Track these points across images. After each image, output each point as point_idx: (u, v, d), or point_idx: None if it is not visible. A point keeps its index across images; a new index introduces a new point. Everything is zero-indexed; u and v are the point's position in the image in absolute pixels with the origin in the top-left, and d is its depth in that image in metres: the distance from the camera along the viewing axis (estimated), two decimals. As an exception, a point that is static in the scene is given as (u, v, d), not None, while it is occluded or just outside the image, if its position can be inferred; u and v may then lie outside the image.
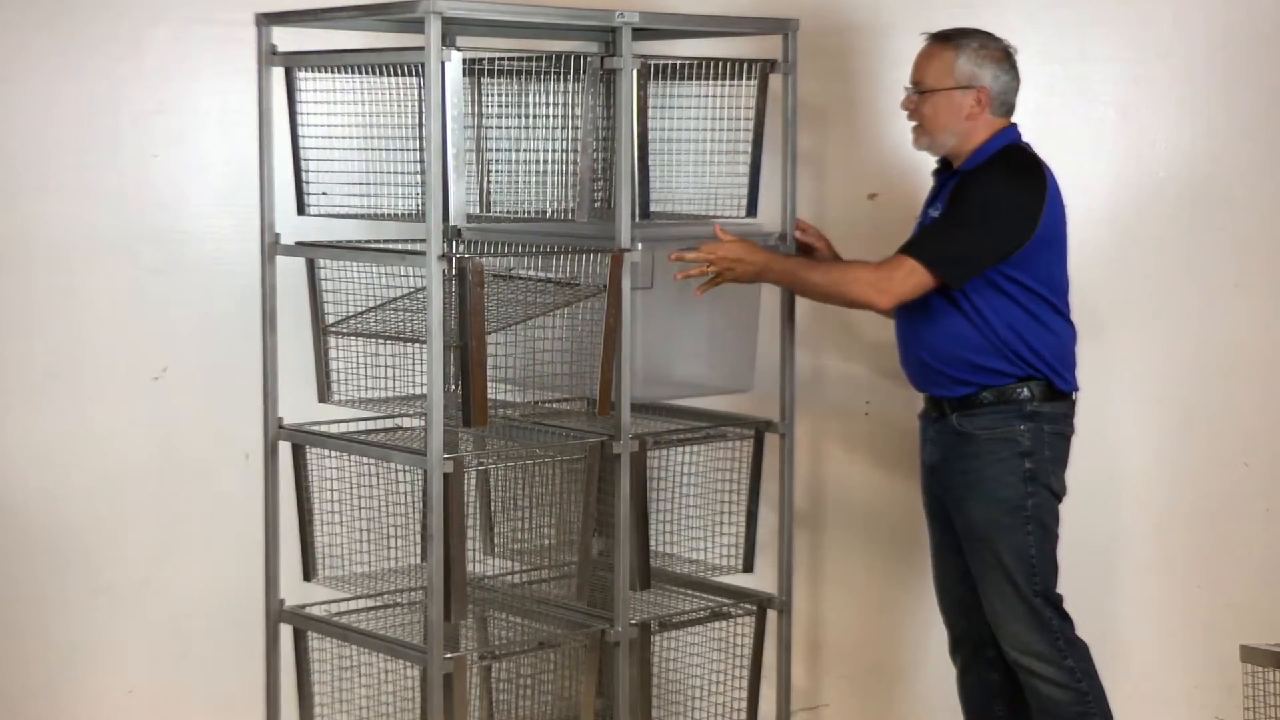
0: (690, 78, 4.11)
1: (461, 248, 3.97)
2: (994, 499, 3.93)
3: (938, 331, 3.96)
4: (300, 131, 4.08)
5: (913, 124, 4.00)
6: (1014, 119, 3.99)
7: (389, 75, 3.91)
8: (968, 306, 3.92)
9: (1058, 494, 3.97)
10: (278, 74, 4.07)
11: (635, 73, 3.95)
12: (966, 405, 3.96)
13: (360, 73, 4.02)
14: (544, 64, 3.93)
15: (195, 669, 4.50)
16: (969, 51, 3.92)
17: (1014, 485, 3.92)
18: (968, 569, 4.05)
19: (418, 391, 4.01)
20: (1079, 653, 3.94)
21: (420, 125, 3.86)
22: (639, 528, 4.11)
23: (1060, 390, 3.97)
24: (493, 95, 4.17)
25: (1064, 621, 3.95)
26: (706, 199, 4.25)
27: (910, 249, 3.91)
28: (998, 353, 3.91)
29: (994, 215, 3.87)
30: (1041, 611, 3.92)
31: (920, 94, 3.96)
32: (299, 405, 4.17)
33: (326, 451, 4.16)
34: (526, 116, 4.06)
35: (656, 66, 4.03)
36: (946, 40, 3.96)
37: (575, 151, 3.92)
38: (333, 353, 4.13)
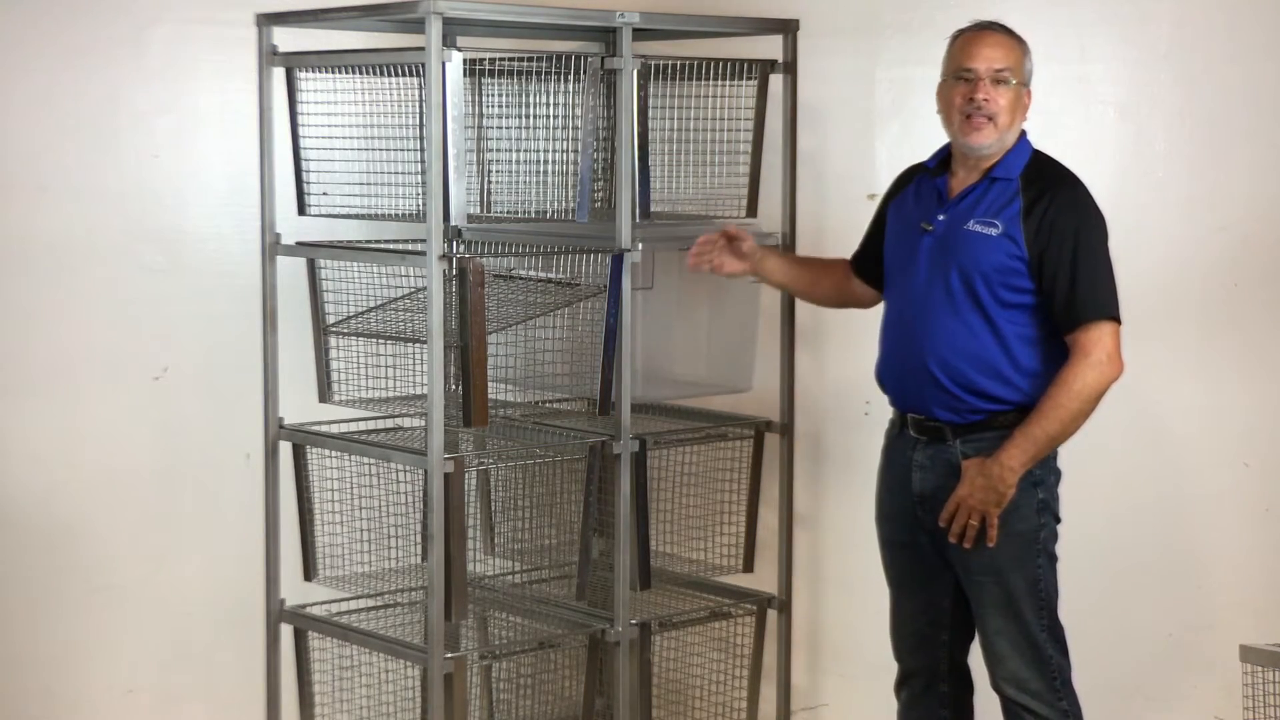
0: (690, 78, 4.11)
1: (462, 248, 3.98)
2: (1008, 531, 3.65)
3: (961, 352, 3.64)
4: (301, 131, 4.08)
5: (983, 117, 3.59)
6: None
7: (389, 75, 3.92)
8: (998, 326, 3.62)
9: (1060, 520, 3.75)
10: (278, 74, 4.07)
11: (635, 73, 3.95)
12: (973, 430, 3.65)
13: (361, 73, 4.02)
14: (544, 64, 3.93)
15: (195, 669, 4.50)
16: (1028, 52, 3.66)
17: (1028, 517, 3.66)
18: (932, 601, 3.82)
19: (418, 391, 4.02)
20: (1073, 696, 3.73)
21: (421, 125, 3.86)
22: (639, 528, 4.11)
23: None
24: (493, 95, 4.18)
25: (1064, 660, 3.72)
26: (706, 199, 4.25)
27: (1090, 312, 3.55)
28: (1014, 377, 3.63)
29: (1105, 234, 3.66)
30: (1045, 648, 3.68)
31: (1003, 85, 3.58)
32: (299, 405, 4.18)
33: (327, 451, 4.17)
34: (527, 117, 4.07)
35: (656, 66, 4.03)
36: (1012, 34, 3.63)
37: (575, 151, 3.92)
38: (333, 353, 4.14)
